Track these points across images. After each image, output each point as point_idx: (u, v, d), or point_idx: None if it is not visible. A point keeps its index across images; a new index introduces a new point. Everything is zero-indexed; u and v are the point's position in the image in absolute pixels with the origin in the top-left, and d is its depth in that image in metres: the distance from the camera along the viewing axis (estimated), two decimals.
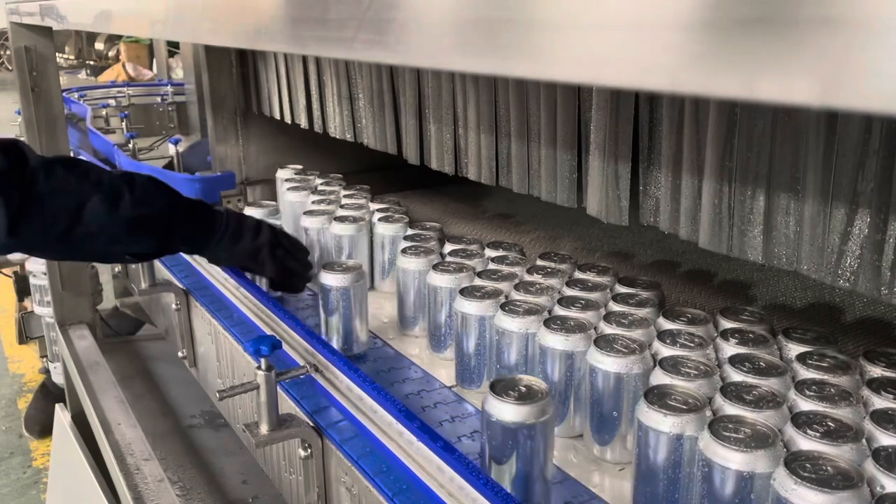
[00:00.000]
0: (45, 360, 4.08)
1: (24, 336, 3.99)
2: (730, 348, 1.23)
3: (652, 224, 1.36)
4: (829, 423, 0.98)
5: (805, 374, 1.13)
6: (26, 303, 3.88)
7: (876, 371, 1.15)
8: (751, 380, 1.10)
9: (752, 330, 1.29)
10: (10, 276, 4.00)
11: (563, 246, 2.10)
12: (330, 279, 1.55)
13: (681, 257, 1.98)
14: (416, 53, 0.51)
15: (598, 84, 0.36)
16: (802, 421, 0.98)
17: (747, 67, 0.28)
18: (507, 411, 1.04)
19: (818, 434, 0.95)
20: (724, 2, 0.29)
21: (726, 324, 1.34)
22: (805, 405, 1.04)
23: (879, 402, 1.06)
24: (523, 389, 1.09)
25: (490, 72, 0.43)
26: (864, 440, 0.95)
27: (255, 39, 0.90)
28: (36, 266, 3.36)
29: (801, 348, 1.23)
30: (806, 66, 0.26)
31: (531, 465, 1.06)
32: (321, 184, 2.35)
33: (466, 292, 1.43)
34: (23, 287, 3.64)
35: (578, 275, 1.57)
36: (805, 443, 0.95)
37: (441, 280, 1.53)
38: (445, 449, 1.03)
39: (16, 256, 4.10)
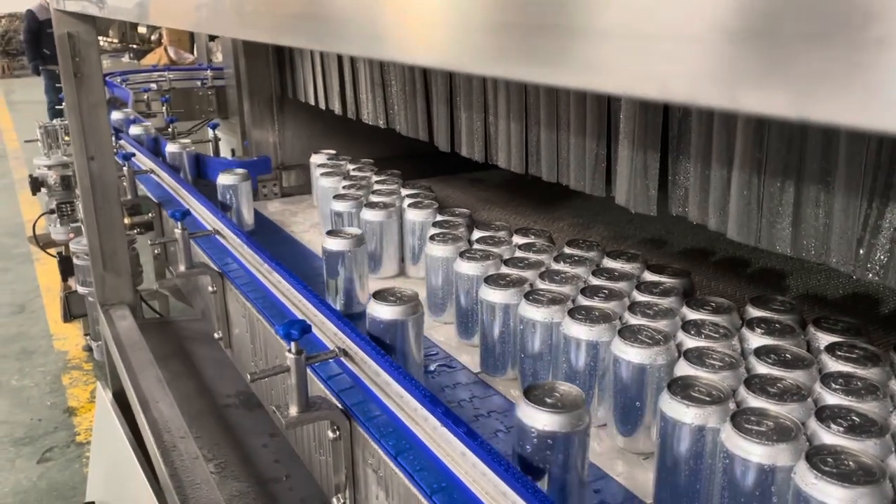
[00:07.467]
0: (87, 337, 4.20)
1: (68, 314, 4.11)
2: (756, 338, 1.22)
3: (680, 214, 1.35)
4: (854, 418, 0.97)
5: (833, 366, 1.12)
6: (70, 282, 4.00)
7: None
8: (776, 372, 1.10)
9: (779, 319, 1.27)
10: (55, 257, 4.11)
11: (593, 233, 2.09)
12: (332, 244, 1.71)
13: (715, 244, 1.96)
14: (459, 59, 0.51)
15: (646, 99, 0.37)
16: (826, 415, 0.97)
17: (796, 86, 0.28)
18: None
19: (842, 428, 0.95)
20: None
21: (755, 312, 1.32)
22: (830, 399, 1.03)
23: None
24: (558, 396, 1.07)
25: (530, 80, 0.43)
26: (888, 435, 0.94)
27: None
28: (79, 247, 3.45)
29: (831, 338, 1.21)
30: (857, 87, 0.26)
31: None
32: (353, 169, 2.37)
33: (491, 280, 1.44)
34: (66, 267, 3.74)
35: (607, 262, 1.56)
36: (828, 437, 0.94)
37: (468, 267, 1.54)
38: (468, 434, 1.05)
39: (60, 237, 4.22)
